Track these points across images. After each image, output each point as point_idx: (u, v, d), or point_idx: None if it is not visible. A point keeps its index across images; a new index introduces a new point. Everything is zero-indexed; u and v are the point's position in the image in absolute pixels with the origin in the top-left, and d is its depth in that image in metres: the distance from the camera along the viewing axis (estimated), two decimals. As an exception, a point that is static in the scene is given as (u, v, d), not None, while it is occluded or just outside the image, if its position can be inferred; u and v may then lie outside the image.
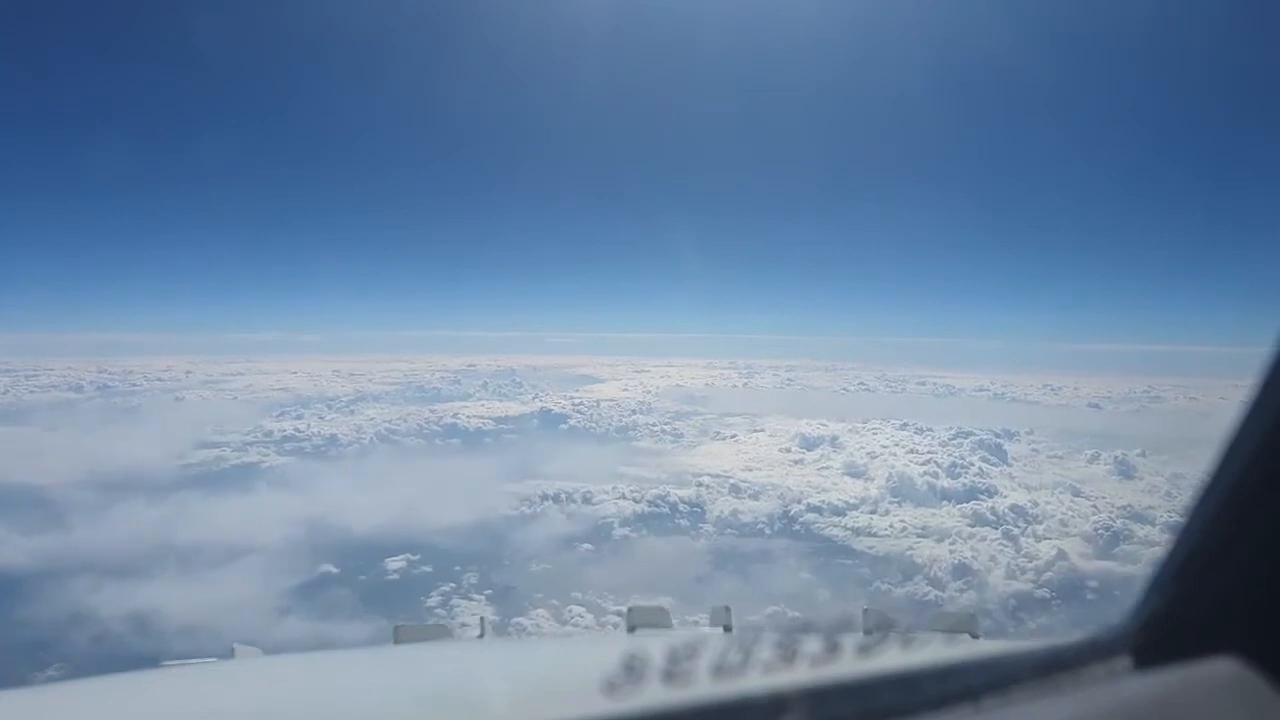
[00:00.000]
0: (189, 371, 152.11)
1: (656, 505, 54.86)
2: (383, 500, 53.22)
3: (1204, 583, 1.23)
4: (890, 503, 54.54)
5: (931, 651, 1.19)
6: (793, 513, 53.35)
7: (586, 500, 55.71)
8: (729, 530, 51.97)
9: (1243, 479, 1.19)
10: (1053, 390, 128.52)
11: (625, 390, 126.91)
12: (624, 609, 3.39)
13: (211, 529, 46.61)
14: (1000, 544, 46.78)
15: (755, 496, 56.77)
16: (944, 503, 54.10)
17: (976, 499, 53.70)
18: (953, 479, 58.35)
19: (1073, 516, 51.00)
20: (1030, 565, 44.38)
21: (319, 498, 55.16)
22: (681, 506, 55.05)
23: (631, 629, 3.24)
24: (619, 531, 50.41)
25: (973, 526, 49.63)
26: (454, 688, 2.02)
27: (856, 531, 50.01)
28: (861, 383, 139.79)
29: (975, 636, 2.88)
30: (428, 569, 42.13)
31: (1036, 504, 53.12)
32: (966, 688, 1.05)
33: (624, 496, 56.48)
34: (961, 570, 42.62)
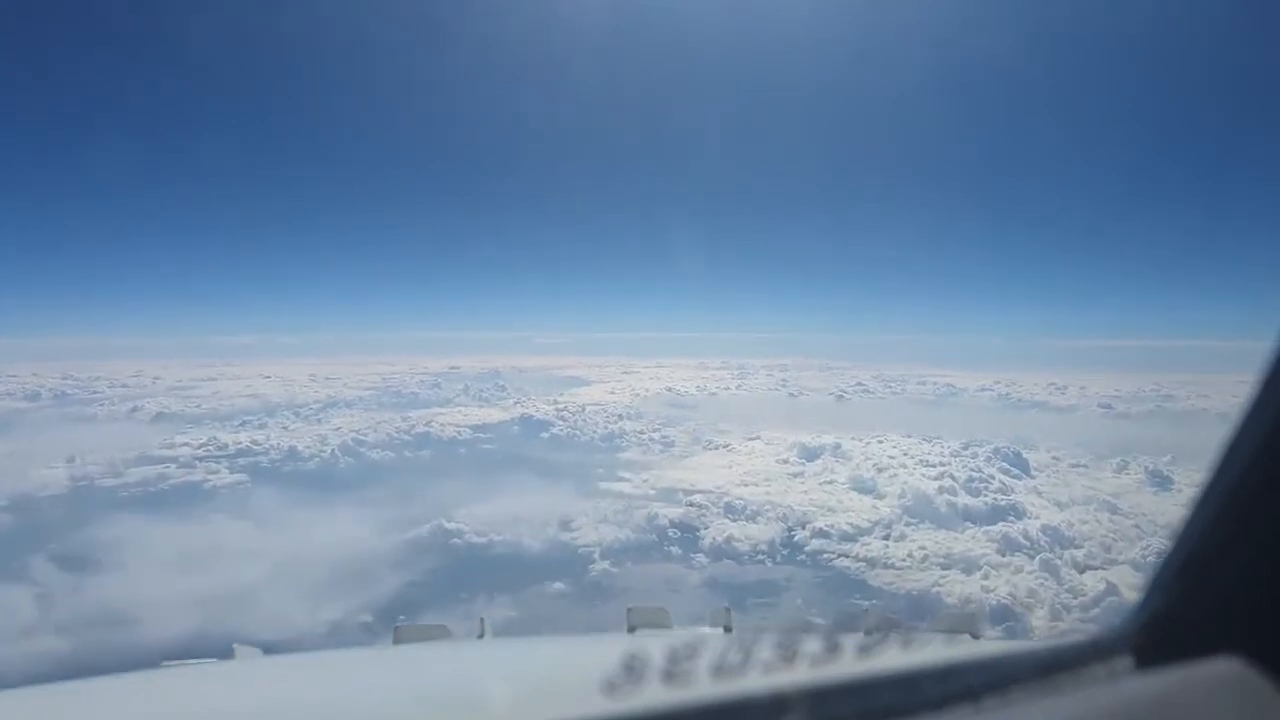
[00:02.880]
0: (157, 378, 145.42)
1: (642, 531, 48.55)
2: (324, 530, 46.79)
3: (1204, 583, 1.23)
4: (906, 524, 48.32)
5: (932, 651, 1.17)
6: (797, 538, 47.10)
7: (564, 525, 49.33)
8: (725, 559, 45.63)
9: (1243, 479, 1.19)
10: (1058, 389, 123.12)
11: (612, 393, 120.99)
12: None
13: (115, 567, 39.94)
14: (1039, 576, 40.56)
15: (753, 518, 50.43)
16: (967, 525, 47.89)
17: (1004, 520, 47.53)
18: (973, 496, 52.20)
19: (1115, 539, 44.96)
20: (1075, 602, 38.25)
21: (257, 526, 48.72)
22: (671, 532, 48.69)
23: (631, 629, 3.19)
24: (598, 565, 43.93)
25: (1003, 554, 43.42)
26: (454, 688, 2.04)
27: (871, 562, 43.69)
28: (859, 383, 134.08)
29: (976, 636, 2.77)
30: (367, 618, 35.57)
31: (1072, 525, 47.05)
32: (967, 688, 1.06)
33: (606, 520, 50.19)
34: (1002, 613, 36.38)
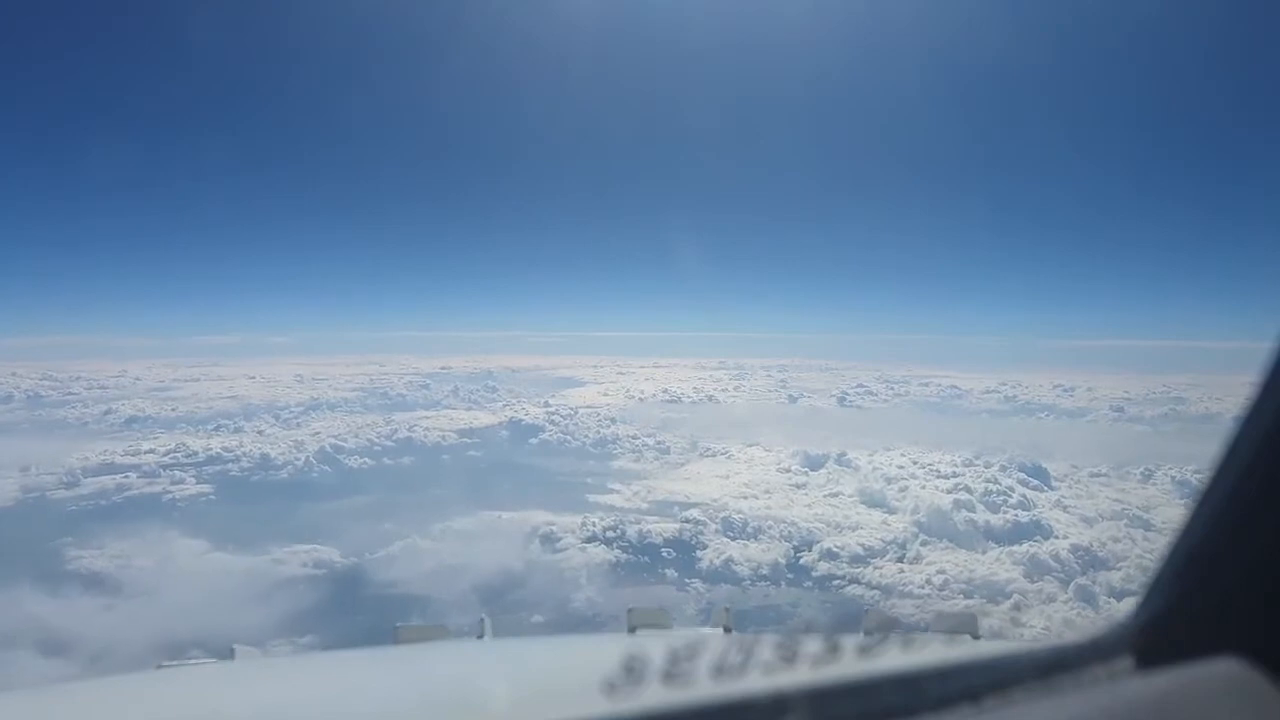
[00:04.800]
0: (138, 378, 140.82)
1: (634, 550, 44.35)
2: (280, 551, 42.67)
3: (1205, 583, 1.24)
4: (922, 544, 44.15)
5: (933, 652, 1.17)
6: (803, 561, 42.84)
7: (548, 543, 45.15)
8: (724, 583, 41.45)
9: (1244, 479, 1.20)
10: (1066, 391, 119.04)
11: (606, 395, 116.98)
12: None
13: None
14: (1074, 605, 36.51)
15: (754, 536, 46.19)
16: (989, 544, 43.77)
17: (1030, 540, 43.36)
18: (992, 511, 48.12)
19: (1153, 560, 40.74)
20: (1116, 636, 34.11)
21: (211, 546, 44.52)
22: (665, 551, 44.49)
23: (632, 630, 3.13)
24: (584, 592, 39.74)
25: (1032, 580, 39.30)
26: (454, 688, 2.04)
27: (886, 590, 39.42)
28: (861, 384, 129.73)
29: (976, 637, 2.78)
30: (315, 660, 31.42)
31: (1104, 544, 42.99)
32: (968, 688, 1.06)
33: (595, 538, 45.99)
34: (1037, 653, 32.23)
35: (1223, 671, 1.10)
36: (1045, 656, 1.16)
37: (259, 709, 1.96)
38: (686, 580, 41.79)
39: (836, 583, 40.54)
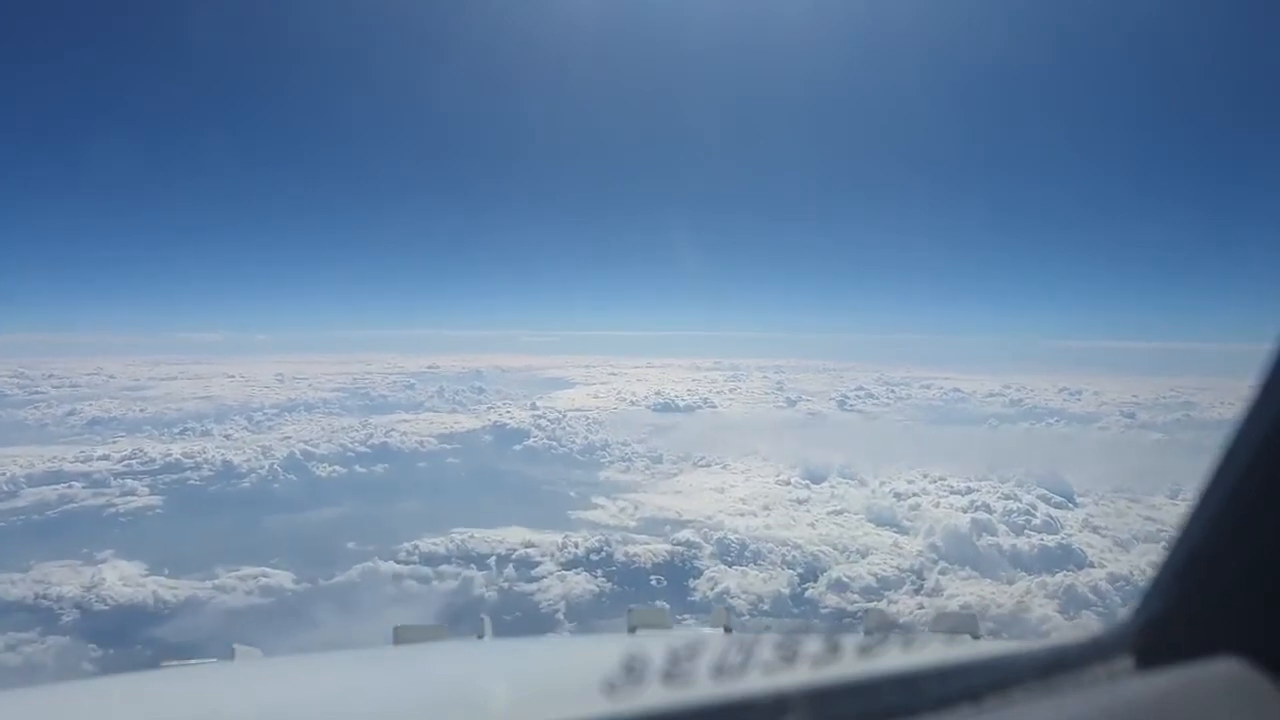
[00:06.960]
0: (111, 377, 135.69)
1: (619, 579, 39.64)
2: (228, 574, 38.10)
3: (1205, 583, 1.24)
4: (941, 572, 39.58)
5: (933, 652, 1.18)
6: (809, 593, 38.20)
7: (524, 570, 40.45)
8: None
9: (1244, 479, 1.21)
10: (1072, 395, 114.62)
11: (597, 398, 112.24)
12: None
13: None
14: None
15: (754, 561, 41.55)
16: (1017, 572, 39.22)
17: (1065, 569, 38.77)
18: (1016, 533, 43.64)
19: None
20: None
21: (141, 566, 39.78)
22: (654, 580, 39.86)
23: (632, 630, 3.13)
24: (561, 631, 35.02)
25: (1069, 616, 34.80)
26: (454, 688, 2.03)
27: (907, 631, 34.94)
28: (860, 386, 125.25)
29: (976, 637, 2.81)
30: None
31: (1144, 573, 38.27)
32: (968, 688, 1.07)
33: (576, 562, 41.30)
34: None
35: (1223, 671, 1.10)
36: (1045, 656, 1.15)
37: (259, 709, 1.94)
38: (679, 615, 36.85)
39: (848, 620, 35.97)
